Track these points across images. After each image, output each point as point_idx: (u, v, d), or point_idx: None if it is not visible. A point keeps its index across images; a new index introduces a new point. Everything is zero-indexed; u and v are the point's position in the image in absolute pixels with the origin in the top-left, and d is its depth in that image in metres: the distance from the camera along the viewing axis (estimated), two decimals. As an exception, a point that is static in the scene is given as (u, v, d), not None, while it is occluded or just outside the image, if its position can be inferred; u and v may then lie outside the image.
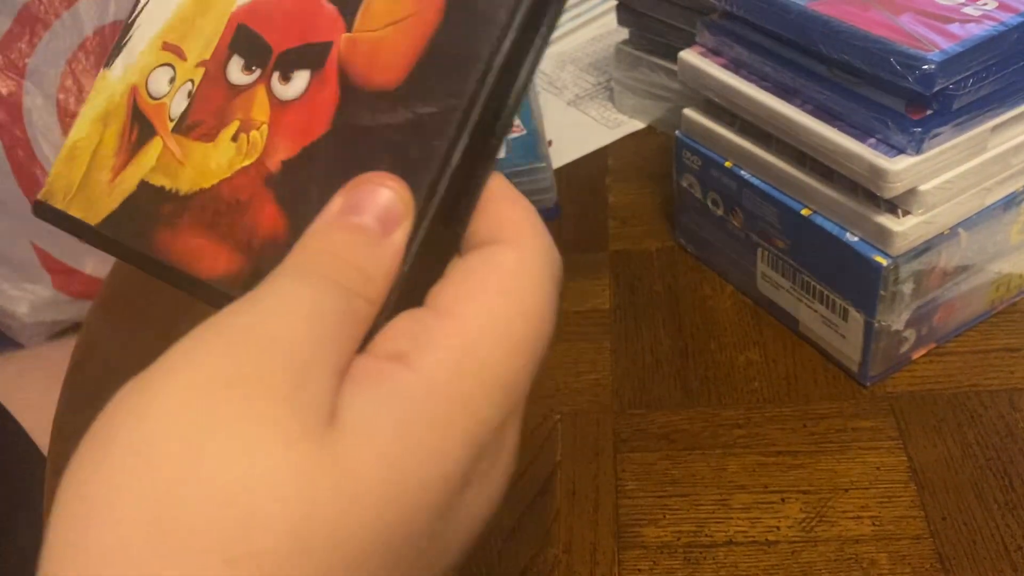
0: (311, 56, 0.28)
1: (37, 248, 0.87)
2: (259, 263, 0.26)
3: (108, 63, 0.33)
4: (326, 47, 0.28)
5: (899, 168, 0.43)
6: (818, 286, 0.50)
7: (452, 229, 0.25)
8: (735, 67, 0.51)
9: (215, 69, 0.30)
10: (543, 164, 0.63)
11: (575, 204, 0.66)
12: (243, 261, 0.27)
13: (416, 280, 0.24)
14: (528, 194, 0.26)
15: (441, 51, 0.26)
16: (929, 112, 0.42)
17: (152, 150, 0.31)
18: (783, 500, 0.46)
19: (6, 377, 0.71)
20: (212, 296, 0.27)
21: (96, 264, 0.89)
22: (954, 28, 0.42)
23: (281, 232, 0.26)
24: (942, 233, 0.46)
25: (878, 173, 0.43)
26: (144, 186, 0.30)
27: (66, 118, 0.80)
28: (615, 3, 0.70)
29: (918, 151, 0.43)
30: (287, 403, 0.19)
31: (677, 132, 0.56)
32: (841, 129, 0.45)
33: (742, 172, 0.52)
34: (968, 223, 0.47)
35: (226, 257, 0.27)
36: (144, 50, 0.32)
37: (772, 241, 0.52)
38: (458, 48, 0.25)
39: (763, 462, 0.48)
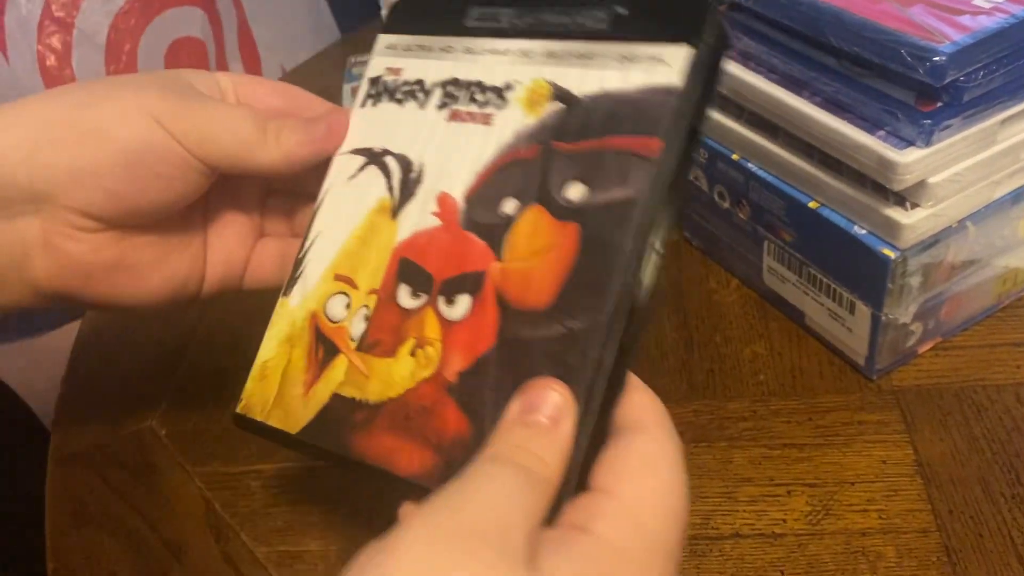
0: (469, 283, 0.33)
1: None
2: (450, 459, 0.31)
3: (285, 292, 0.38)
4: (480, 275, 0.33)
5: (909, 160, 0.42)
6: (825, 279, 0.50)
7: (604, 418, 0.29)
8: (743, 59, 0.51)
9: (386, 296, 0.35)
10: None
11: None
12: (436, 458, 0.31)
13: (585, 462, 0.29)
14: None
15: (582, 276, 0.30)
16: (939, 104, 0.42)
17: (339, 366, 0.35)
18: (789, 493, 0.46)
19: (17, 365, 0.73)
20: (411, 490, 0.31)
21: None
22: (965, 20, 0.42)
23: (465, 431, 0.31)
24: (951, 226, 0.46)
25: (887, 165, 0.43)
26: (336, 398, 0.35)
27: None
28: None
29: (928, 143, 0.43)
30: (497, 550, 0.25)
31: (684, 124, 0.56)
32: (850, 121, 0.45)
33: (749, 164, 0.52)
34: (976, 216, 0.47)
35: (420, 455, 0.32)
36: (319, 281, 0.37)
37: (779, 234, 0.52)
38: (597, 273, 0.30)
39: (769, 455, 0.48)
